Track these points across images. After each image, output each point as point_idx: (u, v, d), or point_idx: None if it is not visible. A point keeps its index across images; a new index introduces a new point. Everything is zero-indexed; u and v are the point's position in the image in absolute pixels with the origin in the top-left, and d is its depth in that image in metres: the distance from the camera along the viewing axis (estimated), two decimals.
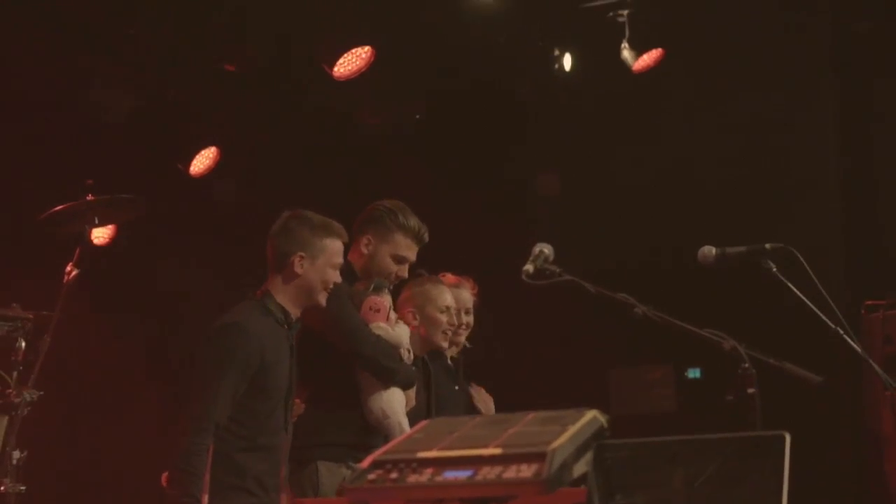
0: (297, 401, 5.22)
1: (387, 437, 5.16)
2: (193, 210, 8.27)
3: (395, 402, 5.31)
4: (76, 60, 7.21)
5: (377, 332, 5.31)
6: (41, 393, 5.13)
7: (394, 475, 2.65)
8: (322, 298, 5.03)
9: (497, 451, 2.63)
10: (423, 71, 8.19)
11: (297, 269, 4.96)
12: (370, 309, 5.35)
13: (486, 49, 8.13)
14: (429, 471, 2.64)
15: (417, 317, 5.81)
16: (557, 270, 3.67)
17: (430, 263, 8.55)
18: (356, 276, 5.53)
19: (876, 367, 4.49)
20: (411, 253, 5.62)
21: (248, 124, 8.18)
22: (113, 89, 7.30)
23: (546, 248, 3.75)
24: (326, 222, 5.08)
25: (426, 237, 5.66)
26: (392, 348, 5.33)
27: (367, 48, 7.27)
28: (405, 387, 5.42)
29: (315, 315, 5.28)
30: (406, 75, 8.14)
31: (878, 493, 7.34)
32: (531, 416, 2.88)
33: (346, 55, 7.21)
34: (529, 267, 3.66)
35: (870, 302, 7.69)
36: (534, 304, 8.40)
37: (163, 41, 7.29)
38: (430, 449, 2.72)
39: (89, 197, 5.38)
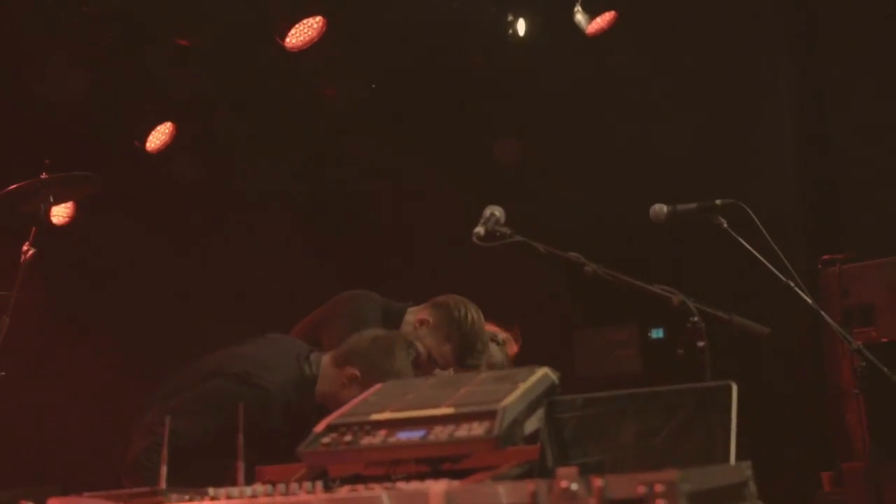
0: None
1: None
2: (151, 186, 8.25)
3: None
4: (30, 39, 7.16)
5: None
6: (2, 373, 5.13)
7: (348, 438, 2.69)
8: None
9: (449, 410, 2.67)
10: (376, 40, 8.18)
11: (344, 381, 4.81)
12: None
13: (440, 15, 8.12)
14: (382, 432, 2.68)
15: None
16: (508, 232, 3.71)
17: (392, 230, 8.62)
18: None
19: (829, 319, 4.56)
20: (450, 363, 5.56)
21: (203, 99, 8.15)
22: (68, 67, 7.26)
23: (497, 211, 3.79)
24: (401, 368, 4.82)
25: (479, 361, 5.60)
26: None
27: (318, 18, 7.24)
28: None
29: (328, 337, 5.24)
30: (359, 45, 8.12)
31: (840, 444, 7.43)
32: (483, 375, 2.92)
33: (297, 26, 7.19)
34: (480, 229, 3.69)
35: (827, 257, 7.77)
36: (497, 267, 8.46)
37: (117, 18, 7.25)
38: (383, 411, 2.75)
39: (43, 175, 5.36)
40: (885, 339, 7.59)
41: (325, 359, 4.90)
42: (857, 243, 7.93)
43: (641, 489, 2.10)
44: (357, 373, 4.77)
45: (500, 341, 6.06)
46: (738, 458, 2.65)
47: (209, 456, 4.50)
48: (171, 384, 4.86)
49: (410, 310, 5.61)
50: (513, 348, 6.17)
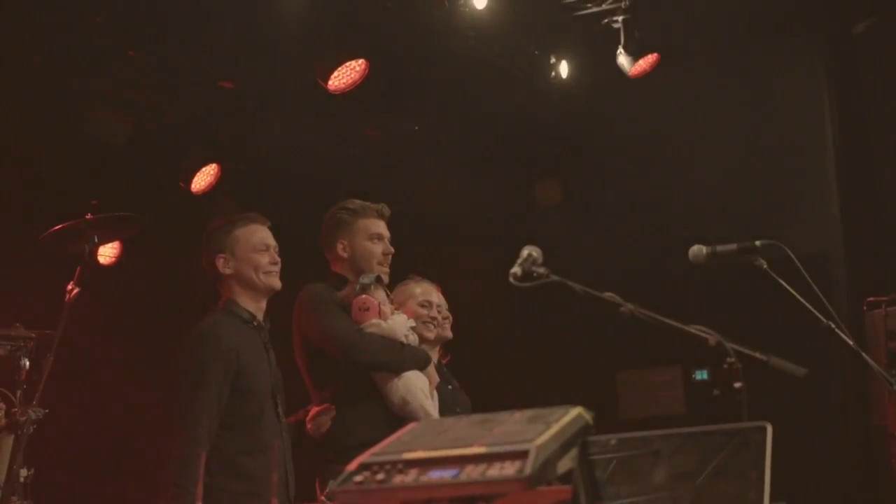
0: (327, 406, 5.30)
1: None
2: (197, 228, 8.31)
3: (412, 387, 5.35)
4: (77, 81, 7.27)
5: (370, 329, 5.35)
6: (46, 411, 5.17)
7: (380, 476, 2.69)
8: (268, 280, 5.13)
9: (481, 449, 2.67)
10: (419, 83, 8.24)
11: (225, 270, 5.11)
12: (359, 309, 5.39)
13: (483, 57, 8.17)
14: (414, 471, 2.68)
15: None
16: (545, 272, 3.70)
17: (436, 269, 8.63)
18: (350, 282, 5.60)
19: (870, 361, 4.51)
20: (380, 228, 5.73)
21: (248, 140, 8.23)
22: (113, 109, 7.36)
23: (534, 251, 3.78)
24: (233, 217, 5.24)
25: (386, 210, 5.79)
26: (388, 342, 5.37)
27: (361, 61, 7.31)
28: (420, 367, 5.47)
29: (312, 334, 5.36)
30: (403, 87, 8.18)
31: (886, 488, 7.36)
32: (517, 414, 2.91)
33: (340, 69, 7.26)
34: (517, 269, 3.69)
35: (871, 299, 7.72)
36: (544, 309, 8.47)
37: (161, 61, 7.35)
38: (415, 450, 2.76)
39: (88, 216, 5.42)
40: None
41: (219, 301, 5.17)
42: None
43: None
44: (222, 256, 5.16)
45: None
46: (773, 500, 2.64)
47: (247, 428, 4.84)
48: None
49: (332, 267, 5.77)
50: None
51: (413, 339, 5.53)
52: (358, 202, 5.73)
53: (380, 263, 5.66)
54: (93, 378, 7.49)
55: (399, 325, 5.47)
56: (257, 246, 5.14)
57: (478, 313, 8.59)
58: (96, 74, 7.23)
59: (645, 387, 9.62)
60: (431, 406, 5.40)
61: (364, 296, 5.42)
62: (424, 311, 6.01)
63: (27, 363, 5.24)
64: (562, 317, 8.69)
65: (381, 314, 5.41)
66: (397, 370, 5.37)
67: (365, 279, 5.47)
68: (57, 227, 5.41)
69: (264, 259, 5.13)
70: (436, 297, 6.12)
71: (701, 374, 9.38)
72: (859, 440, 8.17)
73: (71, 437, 6.84)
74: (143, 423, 7.41)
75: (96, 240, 5.54)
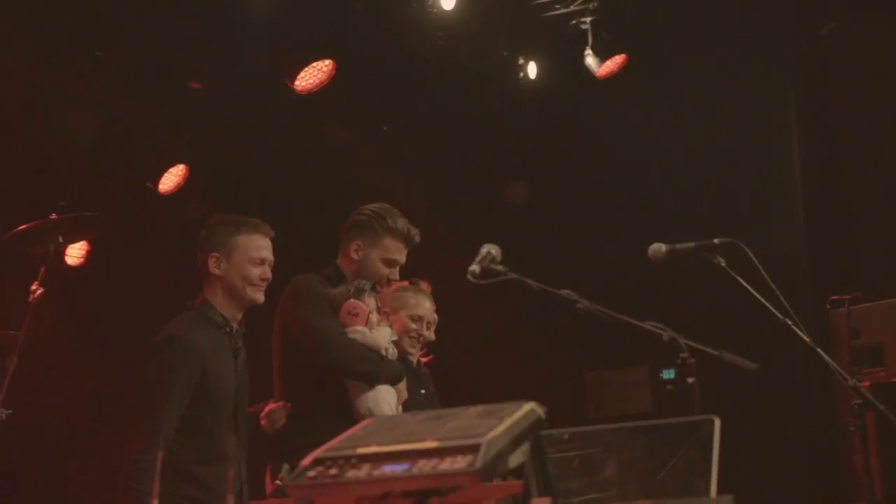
0: (283, 403, 5.28)
1: None
2: (164, 228, 8.32)
3: (381, 402, 5.34)
4: (45, 81, 7.27)
5: (354, 336, 5.32)
6: (9, 412, 5.17)
7: (333, 471, 2.72)
8: (253, 294, 5.07)
9: (434, 444, 2.71)
10: (387, 83, 8.26)
11: (215, 270, 5.04)
12: (348, 313, 5.37)
13: (451, 58, 8.20)
14: (367, 466, 2.71)
15: (390, 318, 5.88)
16: (503, 269, 3.75)
17: (403, 270, 8.64)
18: (346, 281, 5.58)
19: (826, 357, 4.54)
20: (401, 255, 5.68)
21: (216, 141, 8.24)
22: (81, 109, 7.35)
23: (493, 249, 3.83)
24: (240, 220, 5.14)
25: (416, 238, 5.73)
26: (368, 352, 5.34)
27: (327, 62, 7.33)
28: (392, 382, 5.45)
29: (294, 325, 5.36)
30: (370, 88, 8.21)
31: (847, 484, 7.41)
32: (470, 409, 2.95)
33: (306, 69, 7.27)
34: (476, 267, 3.73)
35: (835, 297, 7.77)
36: (511, 309, 8.50)
37: (129, 62, 7.35)
38: (369, 445, 2.79)
39: (53, 216, 5.42)
40: (894, 380, 7.59)
41: (201, 294, 5.12)
42: (866, 284, 7.93)
43: None
44: (216, 254, 5.05)
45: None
46: (720, 493, 2.67)
47: (207, 432, 4.83)
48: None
49: (339, 260, 5.75)
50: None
51: (393, 352, 5.51)
52: (394, 217, 5.65)
53: (381, 285, 5.65)
54: (57, 379, 7.48)
55: (383, 336, 5.46)
56: (254, 259, 5.08)
57: (446, 313, 8.63)
58: (64, 74, 7.23)
59: (613, 386, 9.67)
60: None
61: (356, 301, 5.39)
62: (414, 327, 6.04)
63: None
64: (531, 318, 8.72)
65: (367, 322, 5.40)
66: (371, 382, 5.35)
67: (361, 284, 5.44)
68: (21, 228, 5.41)
69: (256, 272, 5.07)
70: (427, 309, 6.11)
71: (668, 374, 9.40)
72: (822, 438, 8.23)
73: (35, 437, 6.84)
74: (108, 425, 7.42)
75: (61, 240, 5.54)
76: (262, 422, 5.28)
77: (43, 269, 5.39)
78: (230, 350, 5.04)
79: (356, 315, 5.37)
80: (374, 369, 5.34)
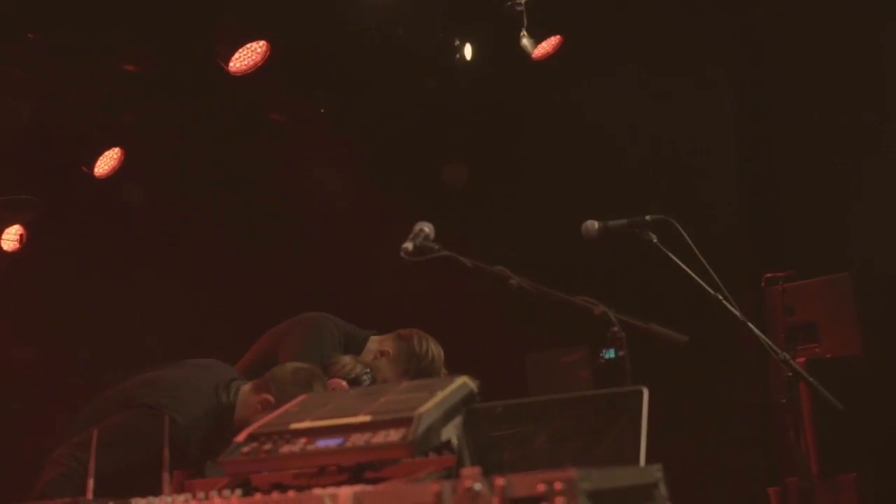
0: None
1: None
2: (100, 212, 8.28)
3: None
4: None
5: None
6: None
7: (268, 446, 2.75)
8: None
9: (367, 418, 2.74)
10: (322, 64, 8.25)
11: (256, 405, 4.82)
12: (333, 390, 5.18)
13: (386, 39, 8.20)
14: (302, 440, 2.74)
15: None
16: (436, 247, 3.77)
17: (341, 250, 8.65)
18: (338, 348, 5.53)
19: (756, 331, 4.62)
20: None
21: (151, 124, 8.20)
22: (12, 93, 7.29)
23: (426, 227, 3.86)
24: (308, 379, 4.86)
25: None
26: None
27: (261, 43, 7.29)
28: None
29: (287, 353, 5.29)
30: (306, 69, 8.19)
31: (782, 459, 7.52)
32: (403, 385, 2.99)
33: (241, 50, 7.23)
34: (409, 244, 3.76)
35: (769, 275, 7.88)
36: (449, 289, 8.53)
37: (61, 44, 7.29)
38: (303, 420, 2.81)
39: None
40: (828, 356, 7.70)
41: (246, 386, 4.92)
42: (800, 262, 8.04)
43: (541, 487, 2.18)
44: (271, 399, 4.78)
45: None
46: (649, 462, 2.71)
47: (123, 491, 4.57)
48: (84, 414, 4.85)
49: (373, 338, 5.69)
50: None
51: None
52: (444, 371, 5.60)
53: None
54: None
55: None
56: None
57: (387, 295, 8.66)
58: None
59: (553, 367, 9.71)
60: None
61: (346, 383, 5.31)
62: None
63: None
64: (472, 300, 8.75)
65: None
66: None
67: (365, 376, 5.38)
68: None
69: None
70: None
71: (608, 353, 9.45)
72: (758, 413, 8.33)
73: None
74: (37, 410, 7.39)
75: None
76: None
77: None
78: (210, 449, 4.77)
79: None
80: None
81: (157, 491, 4.46)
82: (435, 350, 5.69)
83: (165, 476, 2.96)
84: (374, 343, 5.65)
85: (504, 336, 9.42)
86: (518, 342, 9.56)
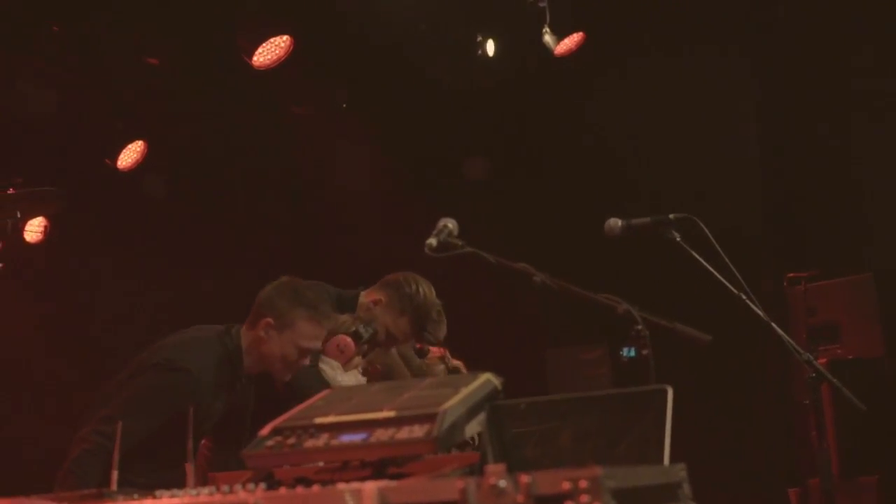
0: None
1: None
2: (122, 204, 8.30)
3: None
4: (1, 57, 7.22)
5: (323, 366, 5.30)
6: None
7: (291, 441, 2.75)
8: (283, 374, 4.97)
9: (391, 413, 2.73)
10: (345, 58, 8.26)
11: (262, 333, 4.90)
12: (336, 346, 5.30)
13: (409, 35, 8.20)
14: (325, 435, 2.74)
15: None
16: (460, 243, 3.78)
17: (361, 246, 8.65)
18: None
19: (779, 331, 4.60)
20: (415, 342, 5.79)
21: (174, 117, 8.21)
22: (37, 85, 7.31)
23: (450, 223, 3.86)
24: (312, 301, 4.97)
25: (439, 337, 5.77)
26: (319, 384, 5.18)
27: (285, 37, 7.31)
28: None
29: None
30: (328, 63, 8.20)
31: (802, 459, 7.50)
32: (427, 381, 2.98)
33: (264, 45, 7.25)
34: (433, 240, 3.76)
35: (791, 275, 7.86)
36: (468, 287, 8.53)
37: (86, 37, 7.32)
38: (327, 415, 2.81)
39: (10, 191, 5.41)
40: (850, 357, 7.68)
41: (243, 326, 5.00)
42: (823, 262, 8.02)
43: (566, 485, 2.17)
44: (270, 320, 4.89)
45: (450, 366, 6.24)
46: (673, 462, 2.71)
47: (156, 457, 4.64)
48: (105, 392, 4.92)
49: (362, 293, 5.71)
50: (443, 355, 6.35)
51: None
52: (441, 318, 5.67)
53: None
54: (13, 353, 7.46)
55: (345, 381, 5.39)
56: (304, 348, 4.94)
57: None
58: (21, 50, 7.18)
59: (573, 364, 9.70)
60: None
61: (349, 339, 5.33)
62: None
63: None
64: (493, 296, 8.76)
65: (346, 363, 5.37)
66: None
67: (366, 330, 5.39)
68: None
69: (297, 357, 4.94)
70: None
71: (628, 352, 9.43)
72: (780, 413, 8.31)
73: None
74: (62, 401, 7.41)
75: (19, 215, 5.53)
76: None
77: (1, 243, 5.37)
78: (225, 396, 4.93)
79: (342, 352, 5.33)
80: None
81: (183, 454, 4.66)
82: (426, 287, 5.74)
83: (190, 468, 2.95)
84: (365, 296, 5.69)
85: (524, 332, 9.42)
86: (538, 339, 9.57)
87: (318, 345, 5.05)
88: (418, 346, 5.97)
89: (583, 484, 2.16)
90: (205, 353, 4.87)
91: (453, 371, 6.17)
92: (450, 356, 6.34)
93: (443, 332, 5.68)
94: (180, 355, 4.82)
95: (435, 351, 6.28)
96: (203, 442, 5.23)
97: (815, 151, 8.85)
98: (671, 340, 4.16)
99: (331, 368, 5.35)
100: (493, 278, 6.89)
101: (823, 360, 7.17)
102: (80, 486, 4.48)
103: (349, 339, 5.33)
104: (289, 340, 4.91)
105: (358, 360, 5.47)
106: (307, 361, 5.02)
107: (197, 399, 4.63)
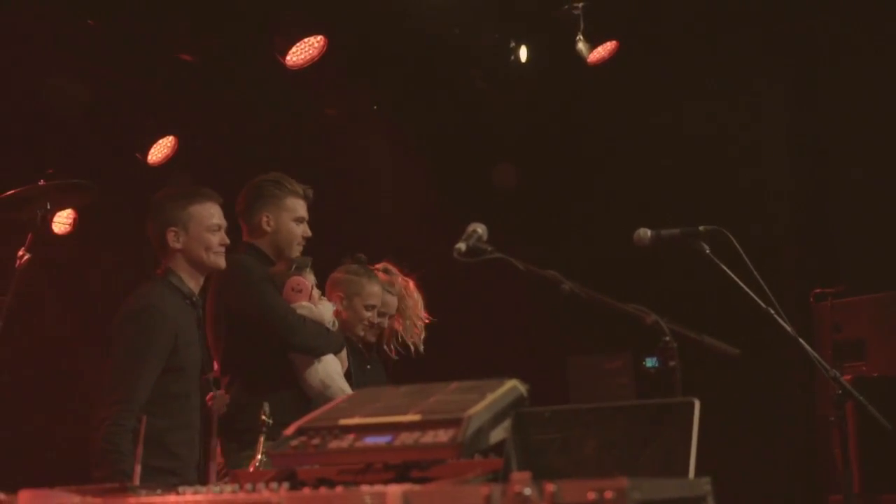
0: (222, 392, 5.30)
1: None
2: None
3: (332, 371, 5.51)
4: (35, 49, 7.25)
5: (301, 311, 5.47)
6: None
7: (316, 441, 2.75)
8: (216, 260, 5.19)
9: (416, 417, 2.73)
10: (378, 61, 8.26)
11: (174, 244, 5.15)
12: (292, 289, 5.50)
13: (442, 39, 8.20)
14: (350, 437, 2.74)
15: (344, 303, 6.12)
16: (489, 248, 3.76)
17: (390, 248, 8.66)
18: (268, 257, 5.69)
19: (806, 346, 4.59)
20: (305, 211, 5.84)
21: (206, 114, 8.24)
22: (71, 78, 7.34)
23: (479, 228, 3.85)
24: (188, 191, 5.27)
25: (310, 194, 5.91)
26: (319, 327, 5.51)
27: (319, 37, 7.33)
28: (337, 352, 5.64)
29: (242, 307, 5.40)
30: (362, 65, 8.21)
31: (827, 476, 7.46)
32: (453, 385, 2.98)
33: (298, 44, 7.27)
34: (462, 245, 3.75)
35: (818, 290, 7.82)
36: (492, 293, 8.52)
37: (121, 32, 7.35)
38: (352, 416, 2.81)
39: (41, 182, 5.43)
40: (875, 374, 7.63)
41: (162, 266, 5.25)
42: (849, 278, 7.97)
43: (592, 495, 2.16)
44: (173, 229, 5.18)
45: (393, 292, 6.49)
46: (699, 475, 2.70)
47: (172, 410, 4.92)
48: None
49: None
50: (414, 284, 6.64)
51: (335, 325, 5.67)
52: (286, 179, 5.81)
53: (298, 244, 5.76)
54: (41, 344, 7.50)
55: (327, 310, 5.62)
56: (211, 226, 5.19)
57: (429, 295, 8.65)
58: (56, 43, 7.22)
59: (595, 373, 9.68)
60: (349, 388, 5.54)
61: (298, 277, 5.51)
62: (367, 315, 6.22)
63: None
64: (516, 300, 8.74)
65: (311, 297, 5.49)
66: (321, 354, 5.51)
67: (301, 262, 5.55)
68: (9, 193, 5.42)
69: (216, 239, 5.19)
70: (379, 296, 6.28)
71: (651, 362, 9.44)
72: (801, 429, 8.27)
73: (17, 402, 6.86)
74: (91, 390, 7.44)
75: (49, 207, 5.55)
76: (209, 402, 5.36)
77: (30, 235, 5.40)
78: (195, 321, 5.17)
79: (300, 291, 5.51)
80: (325, 343, 5.53)
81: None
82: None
83: (212, 466, 2.96)
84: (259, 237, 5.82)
85: (546, 340, 9.40)
86: (560, 346, 9.54)
87: (222, 218, 5.28)
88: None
89: (608, 495, 2.15)
90: (155, 291, 5.12)
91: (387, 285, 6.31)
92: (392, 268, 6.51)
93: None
94: (136, 301, 5.10)
95: (383, 277, 6.48)
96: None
97: (843, 164, 8.80)
98: (692, 352, 4.14)
99: (307, 310, 5.50)
100: (516, 285, 6.87)
101: (848, 377, 7.05)
102: (120, 460, 4.62)
103: (297, 277, 5.52)
104: (199, 231, 5.17)
105: (317, 291, 5.63)
106: (226, 240, 5.25)
107: (173, 330, 4.95)
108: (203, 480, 4.90)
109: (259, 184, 5.81)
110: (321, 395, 5.42)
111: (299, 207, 5.78)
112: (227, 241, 5.26)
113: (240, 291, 5.50)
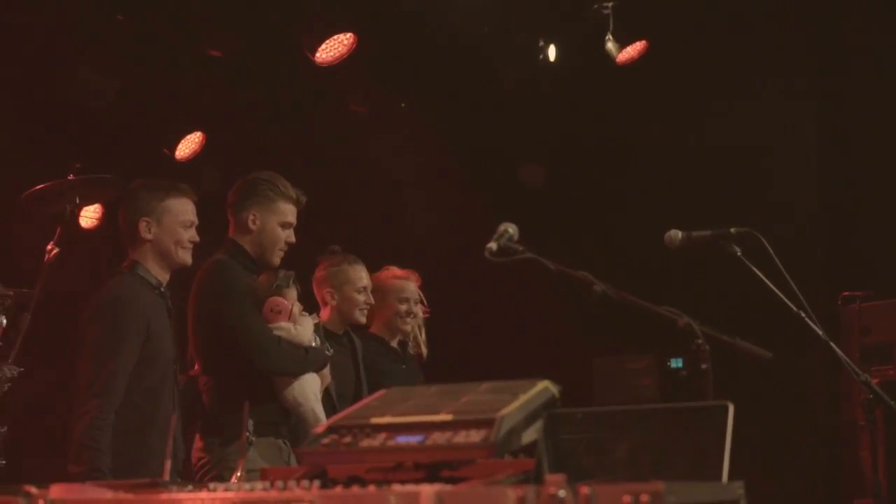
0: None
1: (300, 423, 5.40)
2: None
3: (307, 390, 5.47)
4: (64, 44, 7.28)
5: (279, 332, 5.42)
6: (21, 369, 5.20)
7: (347, 439, 2.73)
8: (184, 257, 5.21)
9: (448, 417, 2.72)
10: (406, 59, 8.26)
11: (146, 234, 5.16)
12: (271, 310, 5.47)
13: (471, 38, 8.19)
14: (381, 435, 2.72)
15: (336, 296, 6.16)
16: (520, 248, 3.75)
17: (417, 247, 8.65)
18: (249, 257, 5.65)
19: (837, 350, 4.56)
20: (294, 217, 5.78)
21: (234, 110, 8.24)
22: (100, 73, 7.36)
23: (511, 228, 3.83)
24: (167, 183, 5.26)
25: (303, 200, 5.81)
26: (294, 349, 5.45)
27: (349, 35, 7.33)
28: (318, 370, 5.59)
29: (216, 321, 5.40)
30: (390, 63, 8.21)
31: (853, 480, 7.42)
32: (485, 385, 2.96)
33: (328, 41, 7.27)
34: (493, 245, 3.74)
35: (846, 294, 7.77)
36: (519, 293, 8.50)
37: (150, 27, 7.36)
38: (384, 415, 2.80)
39: (70, 177, 5.45)
40: None
41: (130, 258, 5.26)
42: (878, 282, 7.93)
43: (627, 499, 2.15)
44: (146, 219, 5.19)
45: (412, 280, 6.59)
46: (731, 479, 2.68)
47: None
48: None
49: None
50: (419, 284, 6.65)
51: (317, 341, 5.62)
52: (282, 182, 5.73)
53: (281, 249, 5.71)
54: (68, 338, 7.50)
55: (307, 330, 5.57)
56: (185, 222, 5.22)
57: (456, 295, 8.64)
58: (85, 38, 7.24)
59: (620, 373, 9.65)
60: (321, 410, 5.49)
61: (278, 298, 5.48)
62: (361, 298, 6.21)
63: (4, 321, 5.25)
64: (539, 301, 8.72)
65: (290, 317, 5.47)
66: (298, 375, 5.47)
67: (282, 280, 5.53)
68: (39, 187, 5.44)
69: (187, 235, 5.22)
70: (366, 278, 6.27)
71: (676, 363, 9.40)
72: (828, 432, 8.23)
73: (44, 396, 6.86)
74: None
75: (77, 201, 5.57)
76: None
77: (59, 228, 5.41)
78: (166, 311, 5.19)
79: (279, 312, 5.48)
80: (301, 366, 5.47)
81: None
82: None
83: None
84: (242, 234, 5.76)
85: (571, 340, 9.38)
86: (585, 346, 9.52)
87: (195, 215, 5.30)
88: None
89: (644, 498, 2.14)
90: (125, 283, 5.16)
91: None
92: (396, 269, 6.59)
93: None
94: (106, 293, 5.13)
95: (398, 272, 6.55)
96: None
97: (873, 167, 8.76)
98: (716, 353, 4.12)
99: (286, 331, 5.46)
100: (540, 286, 6.86)
101: (876, 381, 7.04)
102: (97, 457, 4.65)
103: (275, 298, 5.47)
104: (172, 224, 5.19)
105: (297, 306, 5.57)
106: (196, 238, 5.26)
107: (145, 320, 4.98)
108: (179, 473, 5.02)
109: (254, 181, 5.73)
110: (294, 411, 5.46)
111: (289, 213, 5.71)
112: (198, 238, 5.28)
113: (218, 306, 5.43)
